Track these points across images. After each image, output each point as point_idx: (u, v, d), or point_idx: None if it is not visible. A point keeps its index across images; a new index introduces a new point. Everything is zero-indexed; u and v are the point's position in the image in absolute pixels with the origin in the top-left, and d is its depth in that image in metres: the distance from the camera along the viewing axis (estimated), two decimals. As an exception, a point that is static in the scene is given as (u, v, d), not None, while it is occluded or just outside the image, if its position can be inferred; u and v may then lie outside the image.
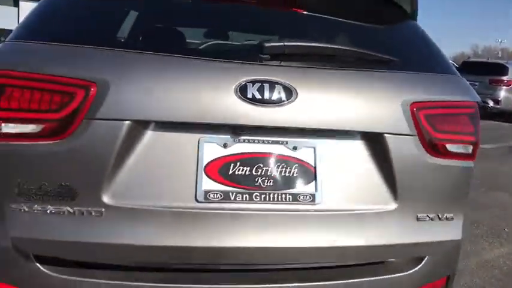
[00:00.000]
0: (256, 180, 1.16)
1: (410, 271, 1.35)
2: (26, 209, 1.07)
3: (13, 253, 1.08)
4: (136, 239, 1.09)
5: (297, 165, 1.20)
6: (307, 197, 1.19)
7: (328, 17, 1.50)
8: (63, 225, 1.08)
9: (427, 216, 1.29)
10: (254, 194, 1.16)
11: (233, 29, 1.94)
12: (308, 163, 1.21)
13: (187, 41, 1.72)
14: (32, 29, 1.25)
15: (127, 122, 1.07)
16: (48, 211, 1.07)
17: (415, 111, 1.25)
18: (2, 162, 1.07)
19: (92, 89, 1.05)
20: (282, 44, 1.18)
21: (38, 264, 1.11)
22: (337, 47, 1.29)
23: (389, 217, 1.25)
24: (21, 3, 2.50)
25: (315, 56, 1.24)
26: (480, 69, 11.51)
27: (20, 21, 2.83)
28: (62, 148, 1.06)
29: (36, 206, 1.07)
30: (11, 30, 1.39)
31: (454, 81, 1.41)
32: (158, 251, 1.12)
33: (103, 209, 1.09)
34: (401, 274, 1.33)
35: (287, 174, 1.18)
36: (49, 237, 1.08)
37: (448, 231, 1.34)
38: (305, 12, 1.47)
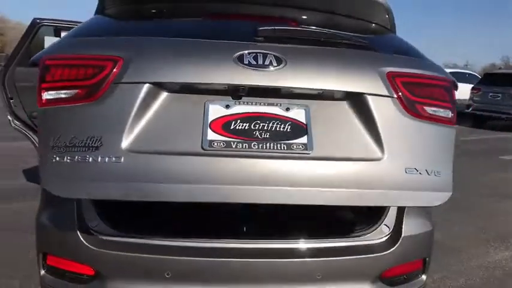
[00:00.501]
0: (254, 133, 1.37)
1: (387, 251, 1.58)
2: (58, 159, 1.30)
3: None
4: (150, 179, 1.30)
5: (290, 122, 1.40)
6: (300, 146, 1.38)
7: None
8: (88, 171, 1.30)
9: (415, 169, 1.42)
10: (252, 143, 1.36)
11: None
12: (300, 121, 1.41)
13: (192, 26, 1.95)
14: (74, 32, 1.64)
15: (146, 84, 1.34)
16: (76, 159, 1.30)
17: (392, 78, 1.45)
18: (43, 122, 1.37)
19: (119, 62, 1.34)
20: (272, 28, 1.47)
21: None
22: (322, 31, 1.61)
23: (378, 166, 1.40)
24: (62, 34, 2.90)
25: (303, 37, 1.52)
26: (503, 81, 11.37)
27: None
28: (92, 107, 1.33)
29: (66, 156, 1.30)
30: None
31: (429, 63, 1.64)
32: (168, 189, 1.30)
33: (122, 155, 1.30)
34: (378, 254, 1.57)
35: (281, 129, 1.39)
36: (76, 181, 1.31)
37: (437, 184, 1.47)
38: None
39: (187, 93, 1.43)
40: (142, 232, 1.54)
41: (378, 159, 1.42)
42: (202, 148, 1.35)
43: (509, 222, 3.95)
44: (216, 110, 1.40)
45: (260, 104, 1.43)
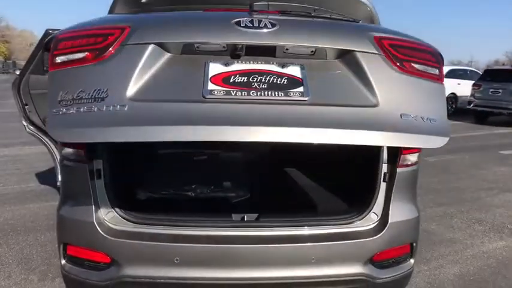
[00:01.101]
0: (253, 84, 1.48)
1: (376, 236, 1.73)
2: (64, 110, 1.41)
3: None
4: (153, 122, 1.38)
5: (286, 77, 1.52)
6: (297, 93, 1.49)
7: None
8: (93, 118, 1.39)
9: (410, 115, 1.53)
10: (251, 92, 1.46)
11: None
12: (296, 76, 1.54)
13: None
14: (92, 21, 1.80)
15: (151, 45, 1.49)
16: (82, 110, 1.40)
17: (379, 40, 1.62)
18: (52, 83, 1.50)
19: (126, 30, 1.51)
20: (266, 3, 1.65)
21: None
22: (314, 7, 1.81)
23: (374, 111, 1.52)
24: None
25: (294, 11, 1.71)
26: (504, 77, 11.42)
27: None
28: (100, 66, 1.47)
29: (72, 107, 1.41)
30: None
31: (413, 37, 1.77)
32: (169, 131, 1.37)
33: (126, 104, 1.41)
34: (368, 239, 1.72)
35: (278, 82, 1.51)
36: (82, 126, 1.39)
37: (432, 129, 1.53)
38: None
39: (188, 54, 1.57)
40: (153, 222, 1.70)
41: (374, 106, 1.54)
42: (203, 96, 1.46)
43: (505, 215, 4.06)
44: (216, 68, 1.52)
45: (257, 62, 1.57)
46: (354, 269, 1.70)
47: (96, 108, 1.40)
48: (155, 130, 1.37)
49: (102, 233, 1.64)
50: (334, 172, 2.39)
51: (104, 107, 1.40)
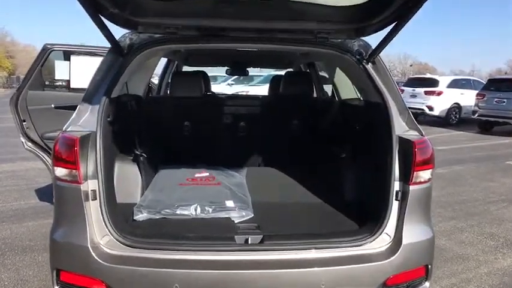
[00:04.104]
0: None
1: (389, 259, 1.63)
2: None
3: None
4: None
5: None
6: None
7: None
8: None
9: None
10: None
11: None
12: None
13: None
14: None
15: None
16: None
17: None
18: None
19: None
20: None
21: None
22: None
23: None
24: (72, 57, 3.04)
25: None
26: (508, 86, 11.33)
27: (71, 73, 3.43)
28: None
29: None
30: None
31: None
32: None
33: None
34: (380, 262, 1.62)
35: None
36: None
37: None
38: None
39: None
40: (151, 246, 1.60)
41: None
42: None
43: (518, 228, 3.92)
44: None
45: None
46: None
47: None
48: None
49: (97, 258, 1.55)
50: (342, 189, 2.29)
51: None
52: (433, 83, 13.61)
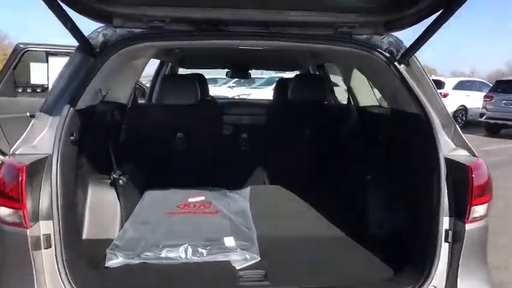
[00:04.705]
0: None
1: None
2: None
3: None
4: None
5: None
6: None
7: None
8: None
9: None
10: None
11: None
12: None
13: None
14: None
15: None
16: None
17: None
18: None
19: None
20: None
21: None
22: None
23: None
24: (50, 59, 2.73)
25: None
26: (517, 87, 11.01)
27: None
28: None
29: None
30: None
31: None
32: None
33: None
34: None
35: None
36: None
37: None
38: None
39: None
40: None
41: None
42: None
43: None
44: None
45: None
46: None
47: None
48: None
49: None
50: (369, 220, 1.87)
51: None
52: (439, 85, 13.28)
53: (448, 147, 1.52)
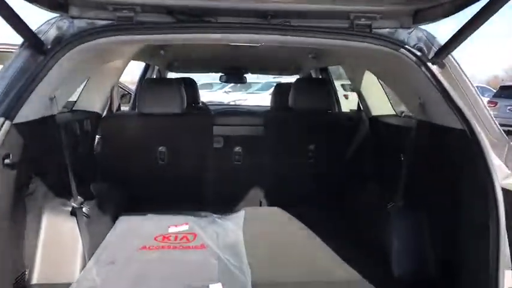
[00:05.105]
0: None
1: None
2: None
3: None
4: None
5: None
6: None
7: None
8: None
9: None
10: None
11: None
12: None
13: None
14: None
15: None
16: None
17: None
18: None
19: None
20: None
21: None
22: None
23: None
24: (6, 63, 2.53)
25: None
26: (521, 93, 10.76)
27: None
28: None
29: None
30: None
31: None
32: None
33: None
34: None
35: None
36: None
37: None
38: None
39: None
40: None
41: None
42: None
43: None
44: None
45: None
46: None
47: None
48: None
49: None
50: (391, 257, 1.52)
51: None
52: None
53: (501, 173, 1.17)
